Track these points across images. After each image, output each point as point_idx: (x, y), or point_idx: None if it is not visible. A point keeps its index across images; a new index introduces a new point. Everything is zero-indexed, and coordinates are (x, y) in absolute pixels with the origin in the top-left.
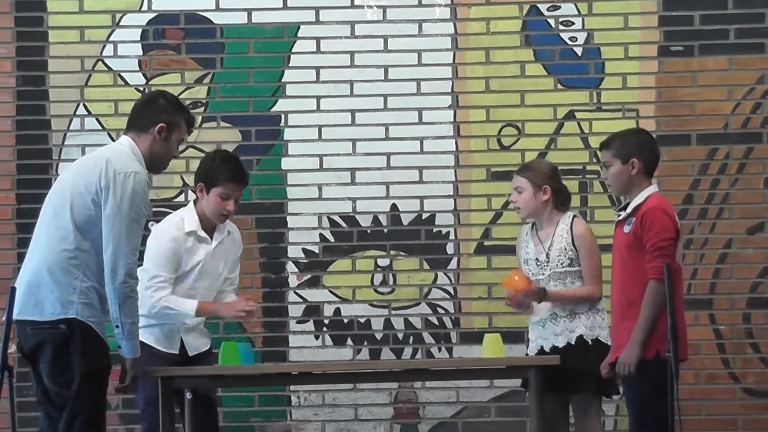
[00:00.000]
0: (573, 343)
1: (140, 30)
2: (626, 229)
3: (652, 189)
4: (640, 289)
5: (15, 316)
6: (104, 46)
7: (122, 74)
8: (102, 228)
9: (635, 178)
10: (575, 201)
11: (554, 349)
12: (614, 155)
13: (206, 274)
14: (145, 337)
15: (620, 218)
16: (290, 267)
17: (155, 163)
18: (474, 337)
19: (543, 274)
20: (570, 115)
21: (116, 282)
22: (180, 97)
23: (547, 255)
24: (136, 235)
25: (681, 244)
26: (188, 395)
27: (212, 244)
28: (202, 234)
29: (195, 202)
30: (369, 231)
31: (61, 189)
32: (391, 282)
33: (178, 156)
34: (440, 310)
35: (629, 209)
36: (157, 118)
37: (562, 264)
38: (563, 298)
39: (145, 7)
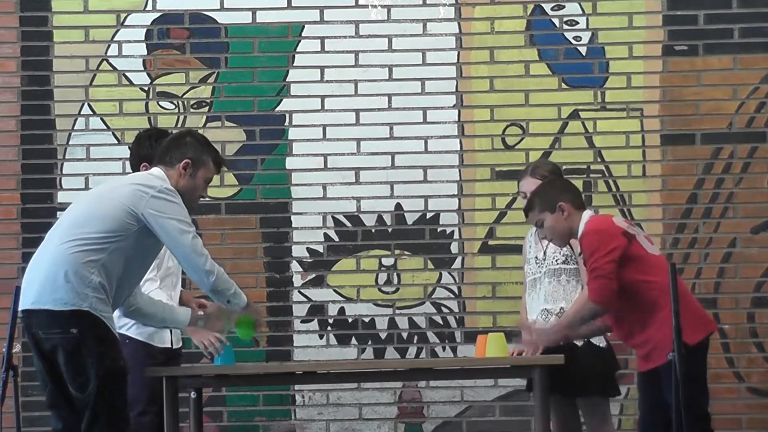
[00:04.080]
0: (564, 344)
1: (145, 30)
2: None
3: (585, 216)
4: (624, 304)
5: (30, 306)
6: (109, 46)
7: (127, 74)
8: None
9: (570, 220)
10: None
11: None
12: (540, 210)
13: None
14: (138, 333)
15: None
16: (294, 266)
17: (182, 199)
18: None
19: (540, 271)
20: (574, 115)
21: (210, 286)
22: (184, 96)
23: (544, 253)
24: (187, 234)
25: (641, 235)
26: (193, 394)
27: None
28: None
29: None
30: (373, 230)
31: (91, 196)
32: (395, 281)
33: (206, 196)
34: (444, 310)
35: (579, 248)
36: (183, 155)
37: (556, 261)
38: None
39: (149, 7)
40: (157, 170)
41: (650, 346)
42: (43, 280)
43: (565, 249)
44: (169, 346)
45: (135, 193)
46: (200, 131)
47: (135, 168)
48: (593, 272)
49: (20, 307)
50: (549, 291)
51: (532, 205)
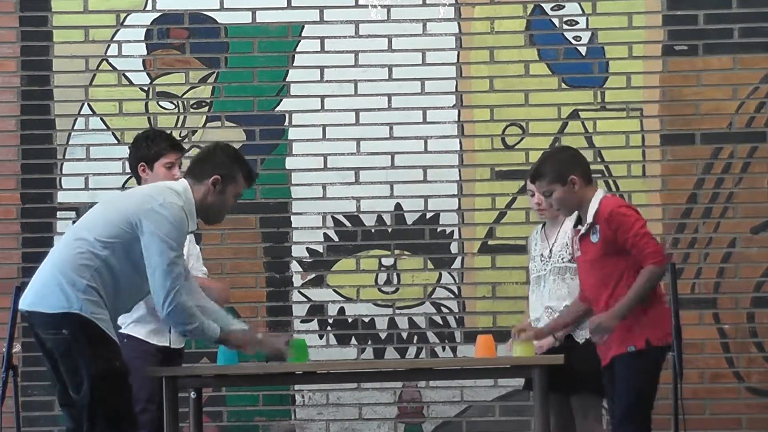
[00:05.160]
0: (563, 341)
1: (144, 29)
2: (594, 239)
3: (600, 194)
4: (623, 289)
5: (26, 308)
6: (109, 46)
7: (127, 74)
8: (145, 261)
9: (580, 193)
10: None
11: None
12: (550, 182)
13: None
14: (136, 330)
15: (583, 232)
16: (294, 266)
17: (208, 214)
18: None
19: (545, 269)
20: (574, 115)
21: (163, 313)
22: (184, 96)
23: (550, 251)
24: (172, 264)
25: None
26: (193, 394)
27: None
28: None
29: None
30: (373, 230)
31: (107, 199)
32: (395, 281)
33: (232, 209)
34: (444, 310)
35: (589, 219)
36: (213, 171)
37: (562, 259)
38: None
39: (149, 7)
40: (183, 182)
41: (615, 333)
42: (40, 282)
43: (570, 247)
44: (167, 345)
45: (143, 199)
46: (200, 131)
47: (133, 169)
48: (645, 237)
49: (19, 307)
50: (553, 289)
51: (542, 174)
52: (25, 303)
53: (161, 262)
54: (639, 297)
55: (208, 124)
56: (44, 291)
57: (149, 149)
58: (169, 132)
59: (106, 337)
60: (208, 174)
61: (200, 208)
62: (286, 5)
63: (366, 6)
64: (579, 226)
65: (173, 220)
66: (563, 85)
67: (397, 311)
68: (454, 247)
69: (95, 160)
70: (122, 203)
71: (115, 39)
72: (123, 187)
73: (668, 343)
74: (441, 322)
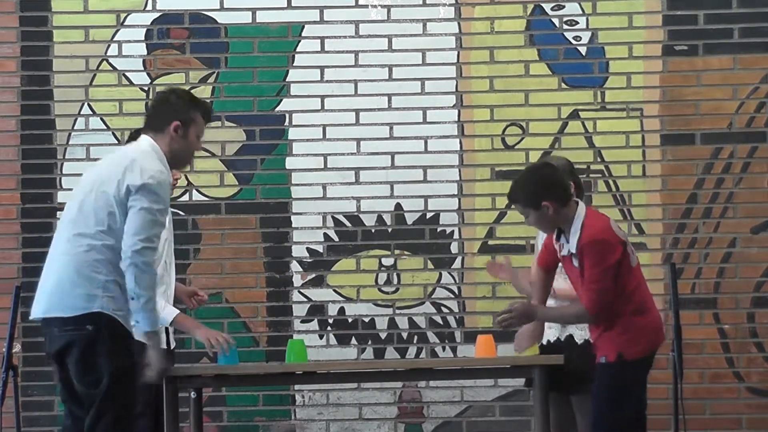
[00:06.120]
0: (562, 339)
1: (145, 30)
2: (575, 262)
3: (581, 213)
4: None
5: (42, 315)
6: (109, 46)
7: (127, 74)
8: (126, 224)
9: (555, 216)
10: None
11: (548, 344)
12: (524, 206)
13: (170, 242)
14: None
15: (564, 255)
16: (294, 266)
17: (177, 161)
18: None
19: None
20: (574, 115)
21: (132, 258)
22: None
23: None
24: (155, 226)
25: (628, 244)
26: (193, 394)
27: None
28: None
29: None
30: (373, 230)
31: (85, 187)
32: (395, 281)
33: (200, 149)
34: (444, 310)
35: (572, 249)
36: (172, 117)
37: None
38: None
39: (149, 7)
40: (146, 140)
41: (595, 337)
42: (53, 287)
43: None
44: (165, 347)
45: (126, 175)
46: None
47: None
48: (595, 284)
49: (32, 316)
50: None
51: (516, 199)
52: (40, 310)
53: (144, 230)
54: (559, 319)
55: (208, 124)
56: (61, 295)
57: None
58: None
59: (126, 333)
60: (167, 122)
61: (169, 157)
62: (286, 5)
63: (366, 6)
64: (561, 240)
65: (161, 191)
66: (563, 85)
67: (397, 311)
68: (454, 247)
69: (95, 160)
70: (105, 185)
71: (115, 39)
72: None
73: (646, 355)
74: (441, 322)
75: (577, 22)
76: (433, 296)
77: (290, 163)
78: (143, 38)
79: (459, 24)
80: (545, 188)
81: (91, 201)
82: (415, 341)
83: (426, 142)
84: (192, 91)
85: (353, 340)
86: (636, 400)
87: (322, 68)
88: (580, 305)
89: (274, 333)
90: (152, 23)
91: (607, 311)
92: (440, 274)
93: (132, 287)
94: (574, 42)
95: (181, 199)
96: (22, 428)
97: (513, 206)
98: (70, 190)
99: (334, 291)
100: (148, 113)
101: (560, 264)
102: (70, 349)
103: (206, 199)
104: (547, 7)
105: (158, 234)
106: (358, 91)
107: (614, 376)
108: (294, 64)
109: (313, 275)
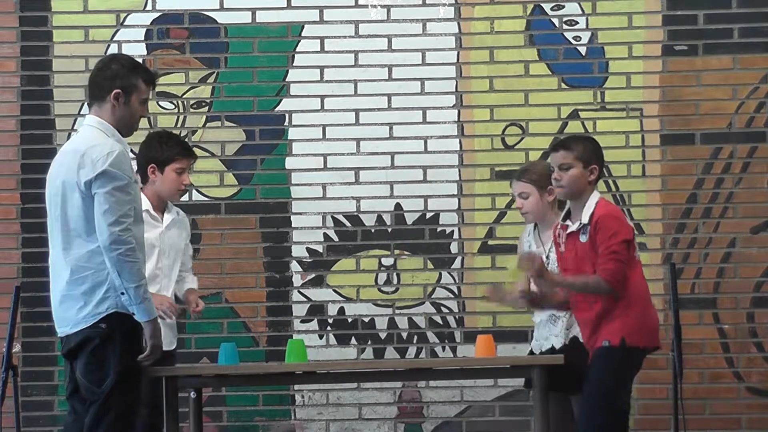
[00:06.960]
0: (567, 343)
1: (144, 29)
2: (583, 238)
3: (597, 196)
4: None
5: (61, 333)
6: (108, 46)
7: None
8: (95, 213)
9: (590, 185)
10: None
11: (552, 351)
12: (576, 158)
13: (165, 254)
14: None
15: (573, 230)
16: (294, 266)
17: (123, 129)
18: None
19: None
20: (574, 115)
21: (109, 252)
22: (184, 96)
23: (547, 256)
24: (122, 204)
25: (636, 244)
26: (193, 394)
27: (164, 224)
28: (154, 213)
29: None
30: (373, 230)
31: (53, 195)
32: (395, 281)
33: (147, 116)
34: (444, 310)
35: (584, 220)
36: (112, 85)
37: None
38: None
39: (149, 7)
40: (90, 118)
41: (593, 326)
42: (62, 302)
43: None
44: (165, 348)
45: (85, 169)
46: (200, 131)
47: (142, 167)
48: (613, 254)
49: (60, 334)
50: None
51: (570, 148)
52: (60, 329)
53: (111, 213)
54: (574, 288)
55: (208, 124)
56: (74, 309)
57: (162, 152)
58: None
59: (137, 329)
60: (107, 90)
61: (115, 127)
62: (286, 5)
63: (366, 6)
64: (568, 221)
65: (117, 168)
66: (563, 85)
67: (397, 311)
68: (454, 247)
69: None
70: (73, 189)
71: (115, 39)
72: None
73: (646, 347)
74: (441, 322)
75: (576, 22)
76: (432, 296)
77: (290, 163)
78: (143, 38)
79: (459, 24)
80: (599, 156)
81: (63, 210)
82: (414, 341)
83: (426, 142)
84: (192, 91)
85: (353, 340)
86: (628, 392)
87: (321, 68)
88: (594, 275)
89: (274, 333)
90: (152, 23)
91: (620, 284)
92: (440, 274)
93: (118, 284)
94: (573, 42)
95: (181, 199)
96: (22, 428)
97: (558, 153)
98: None
99: (334, 291)
100: (90, 82)
101: (547, 257)
102: (84, 346)
103: (206, 199)
104: (546, 7)
105: (128, 211)
106: (358, 91)
107: (616, 359)
108: (294, 64)
109: (313, 275)
